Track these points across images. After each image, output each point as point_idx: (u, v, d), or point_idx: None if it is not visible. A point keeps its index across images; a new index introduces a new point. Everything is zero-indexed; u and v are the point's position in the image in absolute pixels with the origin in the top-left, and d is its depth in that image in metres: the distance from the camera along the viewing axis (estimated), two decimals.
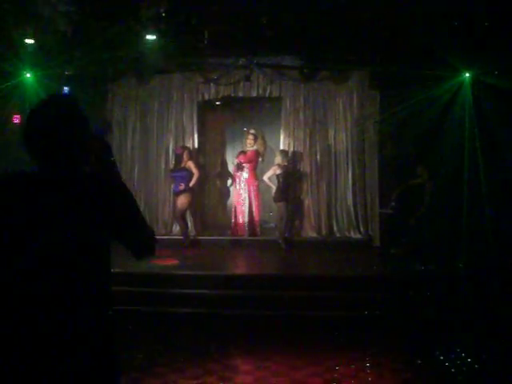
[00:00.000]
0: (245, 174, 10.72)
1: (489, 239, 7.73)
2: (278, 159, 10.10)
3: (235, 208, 10.83)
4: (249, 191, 10.66)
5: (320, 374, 5.33)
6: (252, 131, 10.93)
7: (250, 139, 10.80)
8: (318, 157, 10.81)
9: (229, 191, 11.47)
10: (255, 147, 10.83)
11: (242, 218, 10.64)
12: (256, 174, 10.79)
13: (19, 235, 1.82)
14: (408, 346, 5.97)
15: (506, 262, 7.28)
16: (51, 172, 1.92)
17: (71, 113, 1.97)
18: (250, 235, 10.54)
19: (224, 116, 12.32)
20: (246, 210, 10.60)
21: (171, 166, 10.82)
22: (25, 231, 1.82)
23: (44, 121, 1.93)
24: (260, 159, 10.93)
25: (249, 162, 10.67)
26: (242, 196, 10.70)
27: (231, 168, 11.50)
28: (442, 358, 5.52)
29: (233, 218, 10.87)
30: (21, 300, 1.81)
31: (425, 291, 6.93)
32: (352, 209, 10.63)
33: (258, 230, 10.69)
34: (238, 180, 10.86)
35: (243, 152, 10.77)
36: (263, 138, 11.11)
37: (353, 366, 5.48)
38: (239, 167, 10.76)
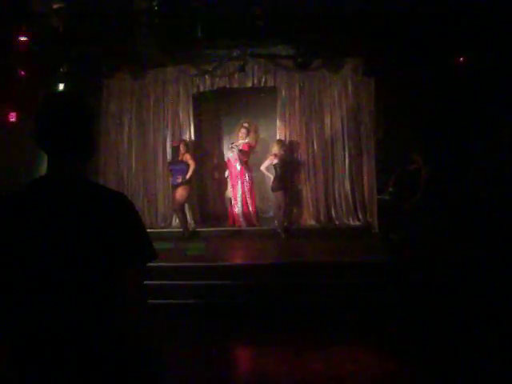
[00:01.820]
0: (238, 167, 10.77)
1: (485, 225, 7.79)
2: (275, 149, 10.14)
3: (230, 200, 10.91)
4: (242, 183, 10.71)
5: (322, 359, 5.39)
6: (245, 124, 10.99)
7: (242, 132, 10.86)
8: (315, 145, 10.83)
9: (226, 182, 11.50)
10: (247, 140, 10.88)
11: (237, 209, 10.71)
12: (249, 166, 10.83)
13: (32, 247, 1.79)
14: (408, 331, 6.05)
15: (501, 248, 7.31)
16: (62, 171, 1.91)
17: (84, 107, 1.98)
18: (247, 226, 10.62)
19: (220, 107, 12.32)
20: (240, 202, 10.66)
21: (168, 159, 10.85)
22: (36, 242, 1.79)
23: (61, 112, 1.92)
24: (251, 153, 10.93)
25: (240, 158, 10.73)
26: (236, 188, 10.76)
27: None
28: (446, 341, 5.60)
29: (229, 209, 10.95)
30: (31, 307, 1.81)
31: (423, 277, 6.99)
32: (350, 196, 10.66)
33: (254, 220, 10.75)
34: (231, 173, 10.91)
35: (239, 150, 10.79)
36: (256, 132, 11.17)
37: (354, 353, 5.56)
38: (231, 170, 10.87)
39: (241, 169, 10.72)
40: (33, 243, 1.79)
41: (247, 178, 10.74)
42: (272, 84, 10.96)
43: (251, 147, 10.95)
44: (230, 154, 10.94)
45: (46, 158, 1.95)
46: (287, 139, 10.81)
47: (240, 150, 10.71)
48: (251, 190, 10.77)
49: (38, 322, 1.79)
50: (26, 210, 1.84)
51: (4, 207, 1.87)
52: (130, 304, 1.87)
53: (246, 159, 10.81)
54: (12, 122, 9.60)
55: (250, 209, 10.72)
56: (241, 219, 10.66)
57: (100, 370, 1.82)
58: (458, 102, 8.90)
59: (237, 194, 10.72)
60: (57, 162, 1.92)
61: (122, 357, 1.85)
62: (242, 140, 10.85)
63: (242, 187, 10.68)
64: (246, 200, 10.68)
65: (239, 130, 10.96)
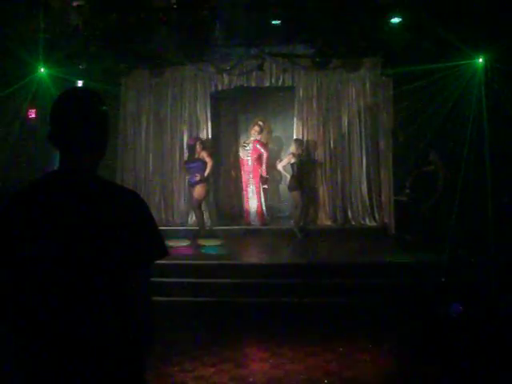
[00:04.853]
0: (249, 163, 10.81)
1: (504, 226, 7.68)
2: (293, 148, 10.12)
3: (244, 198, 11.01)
4: (254, 180, 10.75)
5: (334, 360, 5.37)
6: (260, 123, 11.03)
7: (254, 130, 10.88)
8: (332, 145, 10.80)
9: (243, 181, 11.48)
10: (259, 137, 10.89)
11: (250, 207, 10.76)
12: (260, 164, 10.79)
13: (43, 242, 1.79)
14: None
15: None
16: (74, 168, 1.90)
17: (100, 105, 1.97)
18: (260, 224, 10.64)
19: (237, 106, 12.32)
20: (252, 199, 10.73)
21: (185, 157, 10.86)
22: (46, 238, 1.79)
23: (76, 109, 1.91)
24: (263, 151, 10.80)
25: (252, 154, 10.77)
26: (248, 185, 10.83)
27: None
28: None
29: (244, 207, 11.00)
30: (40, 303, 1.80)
31: (439, 278, 6.93)
32: (367, 196, 10.61)
33: (266, 219, 10.77)
34: (243, 171, 10.99)
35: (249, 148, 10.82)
36: (269, 131, 11.17)
37: (366, 352, 5.53)
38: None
39: (252, 165, 10.75)
40: (43, 240, 1.79)
41: (258, 176, 10.74)
42: (290, 83, 10.93)
43: (263, 145, 10.92)
44: (242, 152, 10.98)
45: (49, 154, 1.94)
46: (304, 139, 10.77)
47: (251, 147, 10.77)
48: (258, 187, 10.78)
49: (48, 320, 1.79)
50: (37, 207, 1.83)
51: (16, 203, 1.87)
52: (140, 300, 1.88)
53: (257, 157, 10.79)
54: (32, 118, 9.70)
55: (263, 207, 10.73)
56: (252, 217, 10.69)
57: (107, 369, 1.81)
58: (478, 102, 8.79)
59: (249, 191, 10.78)
60: (69, 159, 1.91)
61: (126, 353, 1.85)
62: (253, 137, 10.85)
63: (256, 185, 10.71)
64: (259, 198, 10.70)
65: (253, 127, 10.99)
